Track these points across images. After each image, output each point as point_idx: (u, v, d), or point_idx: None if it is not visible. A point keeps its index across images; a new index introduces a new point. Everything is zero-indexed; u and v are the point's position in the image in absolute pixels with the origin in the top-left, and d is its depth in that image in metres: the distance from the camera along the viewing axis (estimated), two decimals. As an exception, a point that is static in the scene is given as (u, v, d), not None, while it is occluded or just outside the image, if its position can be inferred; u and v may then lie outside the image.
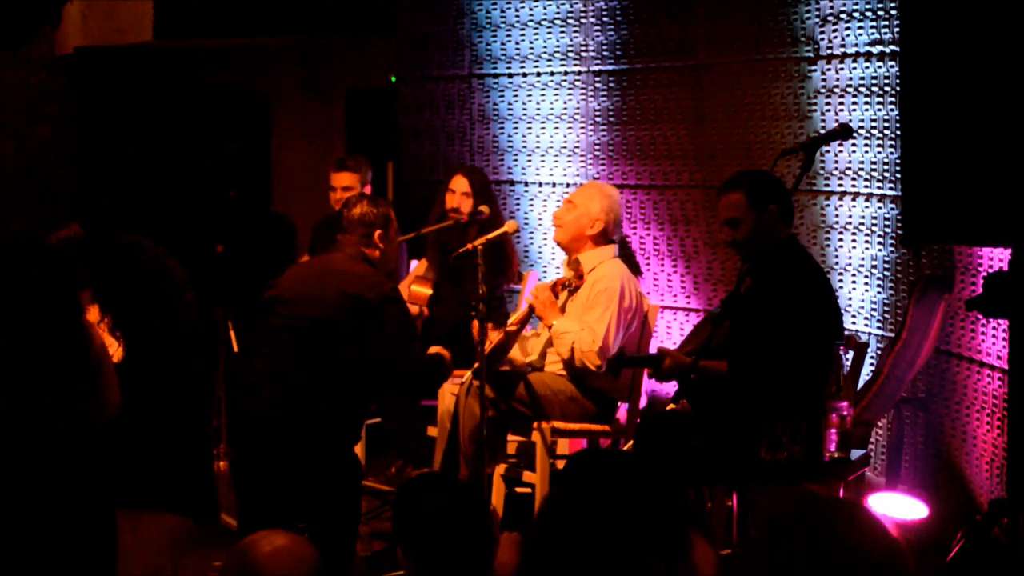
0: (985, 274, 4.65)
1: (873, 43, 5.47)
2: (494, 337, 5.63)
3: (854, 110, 5.56)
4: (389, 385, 5.08)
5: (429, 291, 6.24)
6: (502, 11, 7.07)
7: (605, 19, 6.65)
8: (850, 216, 5.62)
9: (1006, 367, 4.44)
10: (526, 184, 7.05)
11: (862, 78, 5.53)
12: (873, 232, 5.53)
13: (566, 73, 6.83)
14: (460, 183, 6.43)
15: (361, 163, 6.92)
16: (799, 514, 2.07)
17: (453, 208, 6.41)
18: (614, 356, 5.47)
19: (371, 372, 4.73)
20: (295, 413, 4.63)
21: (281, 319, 4.73)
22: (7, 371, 3.70)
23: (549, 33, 6.88)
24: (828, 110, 5.70)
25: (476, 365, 5.28)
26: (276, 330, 4.72)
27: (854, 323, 5.58)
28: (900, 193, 5.04)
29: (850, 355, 5.02)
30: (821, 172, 5.72)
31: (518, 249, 6.82)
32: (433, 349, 4.95)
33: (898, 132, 5.18)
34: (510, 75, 7.06)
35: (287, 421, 4.63)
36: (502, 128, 7.12)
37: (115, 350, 4.13)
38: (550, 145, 6.92)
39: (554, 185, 6.89)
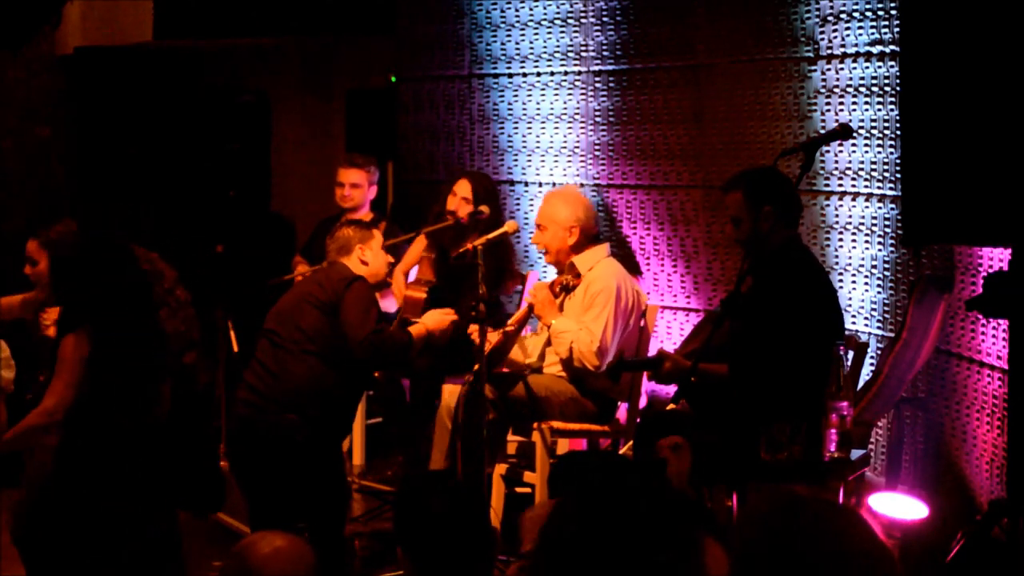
0: (985, 274, 4.64)
1: (873, 43, 5.46)
2: (493, 338, 5.64)
3: (854, 110, 5.56)
4: (351, 361, 4.98)
5: (423, 296, 6.25)
6: (502, 11, 7.06)
7: (605, 19, 6.64)
8: (850, 216, 5.62)
9: (1006, 367, 4.43)
10: (526, 184, 7.04)
11: (862, 78, 5.53)
12: (873, 232, 5.53)
13: (566, 73, 6.82)
14: (463, 187, 6.42)
15: (370, 162, 6.96)
16: (775, 514, 2.05)
17: (451, 210, 6.40)
18: (614, 362, 5.48)
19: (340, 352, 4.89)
20: (288, 409, 4.77)
21: (269, 327, 5.04)
22: (99, 363, 3.78)
23: (549, 33, 6.87)
24: (828, 110, 5.70)
25: (476, 367, 5.28)
26: (265, 333, 5.02)
27: (854, 323, 5.57)
28: (900, 193, 5.03)
29: (850, 355, 5.01)
30: (821, 172, 5.71)
31: (518, 249, 6.82)
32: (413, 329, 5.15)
33: (898, 132, 5.17)
34: (510, 75, 7.05)
35: (275, 417, 4.77)
36: (502, 128, 7.11)
37: None
38: (550, 145, 6.91)
39: (554, 185, 6.88)
